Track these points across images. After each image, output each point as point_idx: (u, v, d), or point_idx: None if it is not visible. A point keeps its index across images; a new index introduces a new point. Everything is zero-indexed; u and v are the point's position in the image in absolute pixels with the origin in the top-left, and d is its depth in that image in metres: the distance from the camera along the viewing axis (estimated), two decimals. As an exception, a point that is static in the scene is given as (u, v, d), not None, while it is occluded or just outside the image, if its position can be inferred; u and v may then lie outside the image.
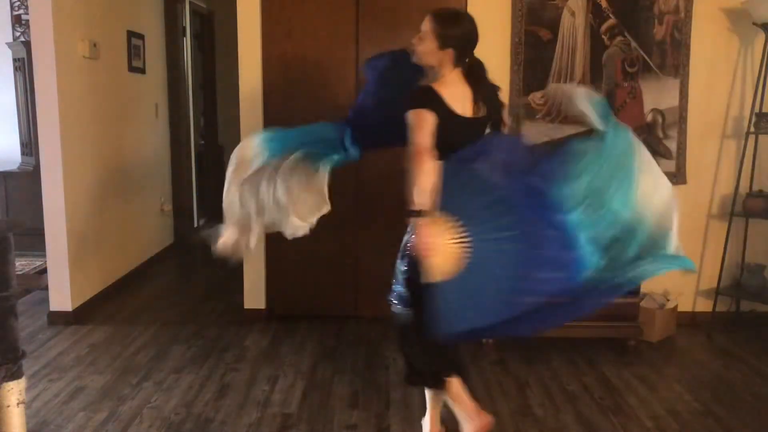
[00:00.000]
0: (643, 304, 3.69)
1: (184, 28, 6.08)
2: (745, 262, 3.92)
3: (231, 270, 3.73)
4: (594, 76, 3.81)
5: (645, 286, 3.68)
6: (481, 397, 2.97)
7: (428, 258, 2.10)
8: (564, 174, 2.12)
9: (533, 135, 3.81)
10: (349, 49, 3.82)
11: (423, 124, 2.20)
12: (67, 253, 3.90)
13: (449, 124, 2.25)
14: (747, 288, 3.86)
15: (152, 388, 3.06)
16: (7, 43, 5.48)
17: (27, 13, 5.21)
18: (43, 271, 4.15)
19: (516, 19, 3.75)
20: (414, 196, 2.14)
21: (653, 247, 2.24)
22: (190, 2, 6.30)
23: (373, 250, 3.91)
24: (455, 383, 2.45)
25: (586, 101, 2.25)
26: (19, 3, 5.63)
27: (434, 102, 2.25)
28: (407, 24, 3.75)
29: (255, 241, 2.65)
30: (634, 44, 3.78)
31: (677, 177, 3.87)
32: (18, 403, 2.15)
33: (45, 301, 3.99)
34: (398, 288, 2.46)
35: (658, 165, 3.90)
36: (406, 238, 2.43)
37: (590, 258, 2.08)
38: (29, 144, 5.29)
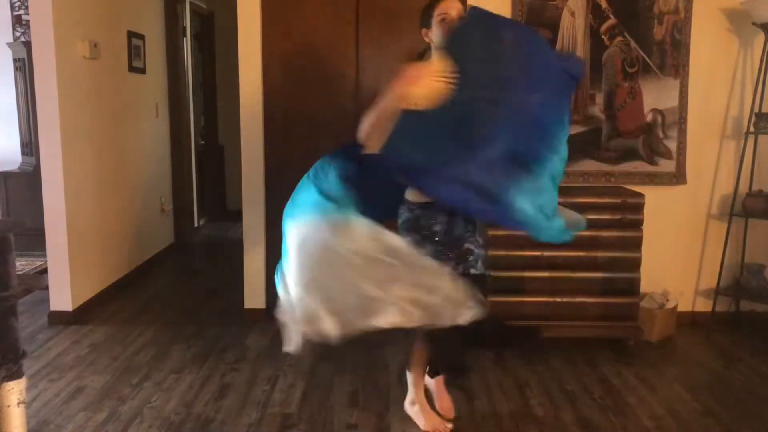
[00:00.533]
0: (643, 304, 3.69)
1: (184, 28, 6.09)
2: (744, 262, 3.92)
3: (231, 270, 3.73)
4: (594, 77, 3.81)
5: (645, 286, 3.68)
6: (481, 397, 2.98)
7: (409, 86, 2.12)
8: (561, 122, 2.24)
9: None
10: (349, 49, 3.82)
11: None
12: (68, 253, 3.91)
13: None
14: (747, 288, 3.86)
15: (152, 388, 3.06)
16: (7, 44, 5.49)
17: (27, 14, 5.23)
18: (44, 271, 4.16)
19: (516, 19, 3.75)
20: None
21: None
22: (190, 2, 6.30)
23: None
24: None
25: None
26: (19, 3, 5.63)
27: None
28: (407, 24, 3.75)
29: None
30: (633, 44, 3.78)
31: (677, 177, 3.87)
32: (18, 403, 2.16)
33: (45, 301, 4.00)
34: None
35: (659, 165, 3.95)
36: (402, 217, 2.44)
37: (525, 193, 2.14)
38: (29, 144, 5.29)
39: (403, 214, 2.48)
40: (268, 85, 3.86)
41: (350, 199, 2.31)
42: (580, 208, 3.50)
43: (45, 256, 3.99)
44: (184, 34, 6.10)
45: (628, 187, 3.78)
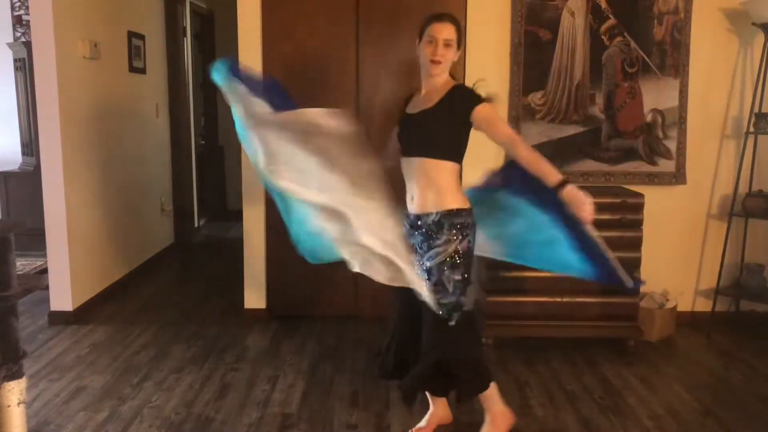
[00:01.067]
0: (642, 304, 3.69)
1: (184, 29, 6.09)
2: (744, 262, 3.92)
3: (231, 270, 3.73)
4: (594, 77, 3.81)
5: (645, 286, 3.68)
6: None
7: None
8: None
9: (533, 135, 3.82)
10: (349, 49, 3.82)
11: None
12: (68, 253, 3.91)
13: (401, 122, 2.54)
14: (747, 288, 3.86)
15: (152, 388, 3.06)
16: (7, 44, 5.49)
17: (27, 14, 5.23)
18: (44, 271, 4.16)
19: (516, 19, 3.75)
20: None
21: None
22: (190, 2, 6.30)
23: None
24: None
25: None
26: (19, 3, 5.63)
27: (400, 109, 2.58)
28: (407, 24, 3.76)
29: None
30: (633, 44, 3.78)
31: (677, 177, 3.87)
32: (18, 403, 2.16)
33: (45, 301, 4.00)
34: (455, 299, 2.41)
35: (658, 165, 3.96)
36: (453, 245, 2.38)
37: None
38: (30, 144, 5.29)
39: None
40: (268, 85, 3.85)
41: None
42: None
43: (45, 256, 4.00)
44: (184, 34, 6.10)
45: (627, 187, 3.78)
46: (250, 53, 3.83)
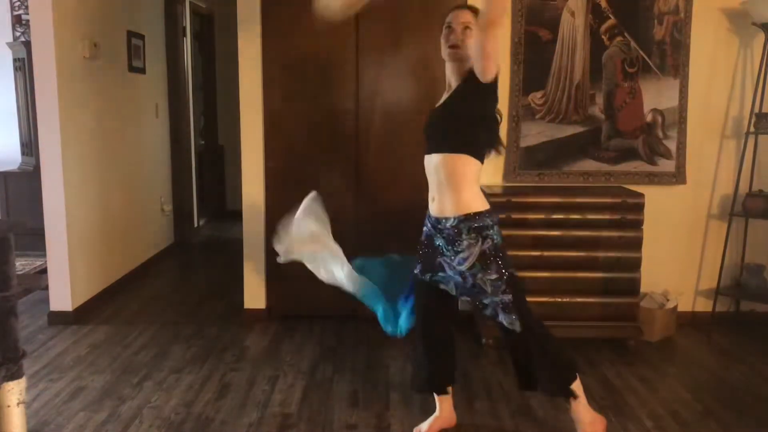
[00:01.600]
0: (643, 304, 3.69)
1: (184, 28, 6.08)
2: (745, 262, 3.92)
3: (231, 270, 3.73)
4: (594, 77, 3.81)
5: (645, 286, 3.68)
6: (481, 397, 2.98)
7: None
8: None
9: (533, 135, 3.82)
10: (349, 49, 3.82)
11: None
12: (67, 253, 3.91)
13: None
14: (747, 288, 3.86)
15: (152, 388, 3.06)
16: (7, 43, 5.48)
17: (27, 13, 5.23)
18: (43, 271, 4.16)
19: (516, 19, 3.75)
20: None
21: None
22: (190, 2, 6.30)
23: (373, 249, 3.90)
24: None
25: None
26: (19, 3, 5.63)
27: None
28: (407, 24, 3.76)
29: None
30: (633, 44, 3.78)
31: (677, 177, 3.87)
32: (18, 403, 2.16)
33: (45, 301, 4.00)
34: (498, 299, 2.40)
35: (658, 165, 3.96)
36: (476, 248, 2.36)
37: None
38: (29, 144, 5.29)
39: None
40: (268, 85, 3.85)
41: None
42: (580, 208, 3.52)
43: (44, 256, 3.99)
44: (184, 34, 6.10)
45: (628, 187, 3.78)
46: (250, 53, 3.83)
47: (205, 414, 2.82)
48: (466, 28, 2.36)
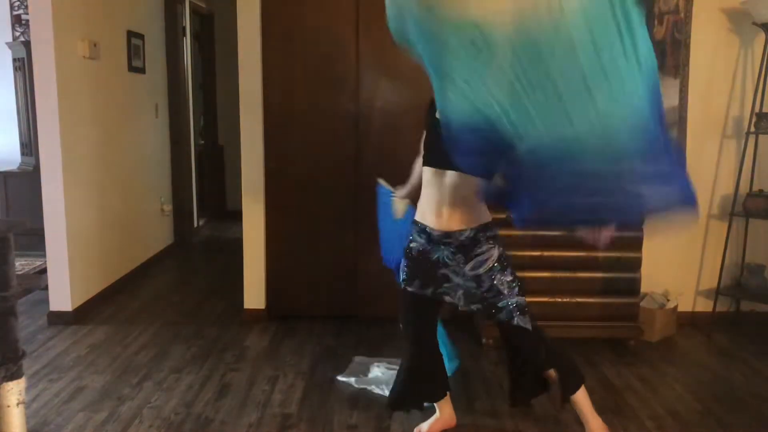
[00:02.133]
0: (643, 304, 3.69)
1: (184, 28, 6.08)
2: (745, 262, 3.92)
3: (231, 270, 3.73)
4: (594, 76, 3.80)
5: (645, 286, 3.68)
6: (481, 396, 2.98)
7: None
8: None
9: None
10: (349, 49, 3.82)
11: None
12: (67, 253, 3.90)
13: (434, 128, 2.33)
14: (747, 288, 3.86)
15: (152, 388, 3.06)
16: (6, 43, 5.48)
17: (27, 13, 5.21)
18: (43, 271, 4.15)
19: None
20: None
21: None
22: (190, 2, 6.30)
23: (373, 250, 3.90)
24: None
25: None
26: (19, 3, 5.63)
27: (430, 110, 2.43)
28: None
29: None
30: (634, 44, 3.77)
31: (677, 177, 3.87)
32: (18, 403, 2.15)
33: (45, 301, 3.99)
34: (514, 300, 2.43)
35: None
36: (495, 251, 2.40)
37: None
38: (29, 144, 5.29)
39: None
40: (268, 85, 3.85)
41: None
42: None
43: (44, 256, 3.99)
44: (184, 34, 6.10)
45: (628, 187, 3.77)
46: (250, 53, 3.83)
47: (205, 414, 2.82)
48: None
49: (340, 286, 4.00)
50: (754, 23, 3.65)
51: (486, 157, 1.97)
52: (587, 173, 1.76)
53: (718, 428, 2.74)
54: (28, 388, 2.54)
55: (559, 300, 3.50)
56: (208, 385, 3.10)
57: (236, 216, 4.63)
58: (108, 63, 4.51)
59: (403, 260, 2.53)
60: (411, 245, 2.49)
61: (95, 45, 4.24)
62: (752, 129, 3.74)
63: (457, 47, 1.77)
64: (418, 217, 2.47)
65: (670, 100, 3.82)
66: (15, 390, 2.14)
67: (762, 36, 3.69)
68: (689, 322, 3.94)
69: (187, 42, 6.19)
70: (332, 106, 3.88)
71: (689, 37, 3.78)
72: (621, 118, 1.68)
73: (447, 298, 2.48)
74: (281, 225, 3.97)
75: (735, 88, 3.86)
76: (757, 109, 3.71)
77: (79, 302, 4.02)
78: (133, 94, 5.03)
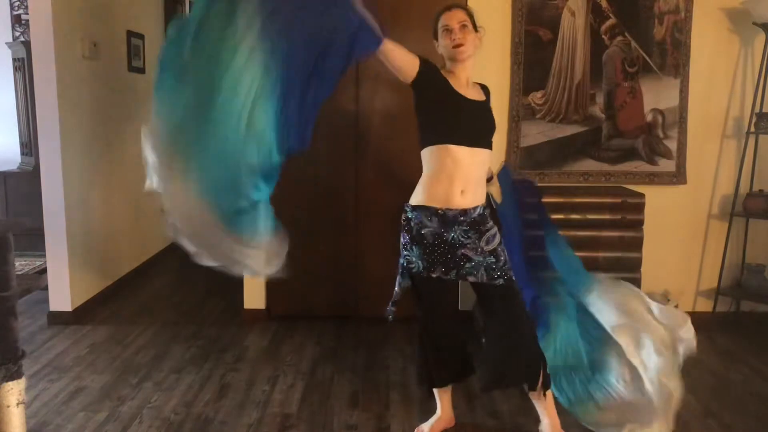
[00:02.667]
0: (643, 304, 3.69)
1: (184, 28, 6.07)
2: (745, 263, 3.92)
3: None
4: (594, 76, 3.81)
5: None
6: (481, 397, 2.97)
7: None
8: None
9: (533, 134, 3.82)
10: (349, 48, 3.81)
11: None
12: (67, 253, 3.90)
13: (457, 104, 2.38)
14: (747, 288, 3.86)
15: (152, 388, 3.06)
16: (6, 43, 5.48)
17: (27, 13, 5.21)
18: (43, 271, 4.15)
19: (516, 19, 3.75)
20: None
21: None
22: (190, 2, 6.29)
23: (373, 250, 3.91)
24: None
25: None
26: (18, 3, 5.63)
27: (438, 76, 2.40)
28: (408, 24, 3.75)
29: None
30: (634, 44, 3.78)
31: (677, 177, 3.87)
32: (18, 404, 2.15)
33: (45, 301, 3.99)
34: (503, 260, 2.49)
35: (659, 165, 3.95)
36: (496, 227, 2.53)
37: None
38: (29, 144, 5.28)
39: (402, 215, 2.51)
40: (268, 84, 3.84)
41: None
42: (581, 208, 3.52)
43: (44, 256, 3.99)
44: (184, 34, 6.09)
45: (628, 186, 3.78)
46: (250, 53, 3.82)
47: (205, 414, 2.82)
48: (464, 26, 2.39)
49: (340, 286, 4.00)
50: (754, 23, 3.65)
51: None
52: None
53: (718, 428, 2.74)
54: (28, 388, 2.54)
55: (559, 300, 3.49)
56: (208, 385, 3.10)
57: (236, 216, 4.62)
58: (108, 63, 4.51)
59: (414, 249, 2.46)
60: (423, 231, 2.42)
61: (95, 45, 4.24)
62: (752, 129, 3.75)
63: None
64: (424, 202, 2.43)
65: (671, 99, 3.82)
66: (15, 390, 2.14)
67: (762, 36, 3.69)
68: (689, 322, 3.94)
69: (187, 42, 6.18)
70: (332, 106, 3.86)
71: (689, 37, 3.78)
72: None
73: (471, 278, 2.45)
74: (281, 225, 3.96)
75: (735, 88, 3.86)
76: (757, 109, 3.71)
77: (79, 302, 4.02)
78: (133, 94, 5.03)
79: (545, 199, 3.51)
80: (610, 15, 3.76)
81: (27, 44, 4.73)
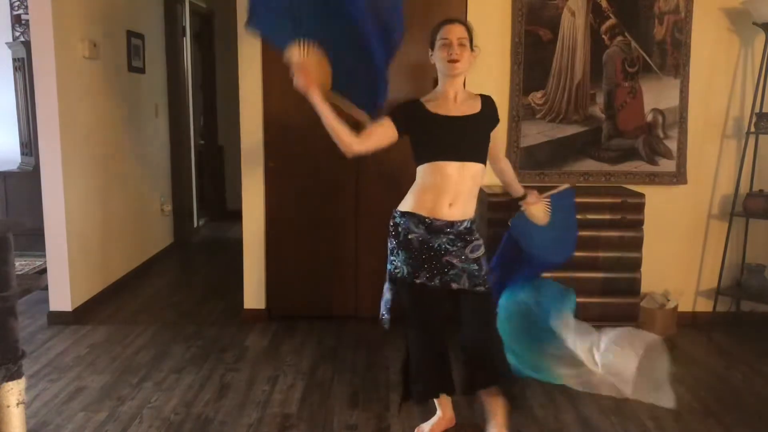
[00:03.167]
0: (643, 304, 3.69)
1: (184, 28, 6.08)
2: (745, 263, 3.92)
3: (231, 270, 3.72)
4: (594, 76, 3.81)
5: (645, 286, 3.68)
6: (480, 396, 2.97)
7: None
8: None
9: (533, 135, 3.82)
10: (349, 49, 3.81)
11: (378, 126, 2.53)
12: (67, 253, 3.90)
13: (435, 125, 2.46)
14: (747, 288, 3.86)
15: (152, 388, 3.06)
16: (6, 43, 5.48)
17: (27, 13, 5.22)
18: (43, 271, 4.15)
19: (516, 19, 3.75)
20: None
21: None
22: (190, 2, 6.29)
23: (373, 250, 3.90)
24: None
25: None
26: (19, 3, 5.63)
27: (411, 111, 2.50)
28: (408, 25, 3.74)
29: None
30: (634, 44, 3.78)
31: (677, 177, 3.87)
32: (18, 404, 2.15)
33: (45, 301, 3.99)
34: (486, 270, 2.57)
35: (659, 165, 3.95)
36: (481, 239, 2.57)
37: None
38: (29, 144, 5.29)
39: (391, 220, 2.58)
40: (268, 85, 3.85)
41: None
42: (581, 208, 3.52)
43: (44, 256, 3.99)
44: (184, 34, 6.09)
45: (628, 187, 3.78)
46: (250, 53, 3.82)
47: (205, 414, 2.82)
48: (461, 44, 2.41)
49: (340, 286, 4.00)
50: (754, 23, 3.65)
51: None
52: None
53: (718, 428, 2.74)
54: (28, 388, 2.54)
55: (559, 300, 3.49)
56: (208, 385, 3.10)
57: (236, 216, 4.63)
58: (108, 63, 4.51)
59: (400, 254, 2.50)
60: (409, 237, 2.47)
61: (95, 45, 4.24)
62: (752, 129, 3.75)
63: None
64: (412, 209, 2.48)
65: (671, 99, 3.82)
66: (15, 390, 2.14)
67: (762, 36, 3.69)
68: (689, 322, 3.94)
69: (187, 42, 6.19)
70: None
71: (689, 37, 3.78)
72: None
73: (454, 285, 2.47)
74: (281, 225, 3.97)
75: (735, 88, 3.86)
76: (757, 109, 3.71)
77: (79, 302, 4.02)
78: (133, 94, 5.03)
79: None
80: (610, 15, 3.76)
81: (27, 44, 4.73)
